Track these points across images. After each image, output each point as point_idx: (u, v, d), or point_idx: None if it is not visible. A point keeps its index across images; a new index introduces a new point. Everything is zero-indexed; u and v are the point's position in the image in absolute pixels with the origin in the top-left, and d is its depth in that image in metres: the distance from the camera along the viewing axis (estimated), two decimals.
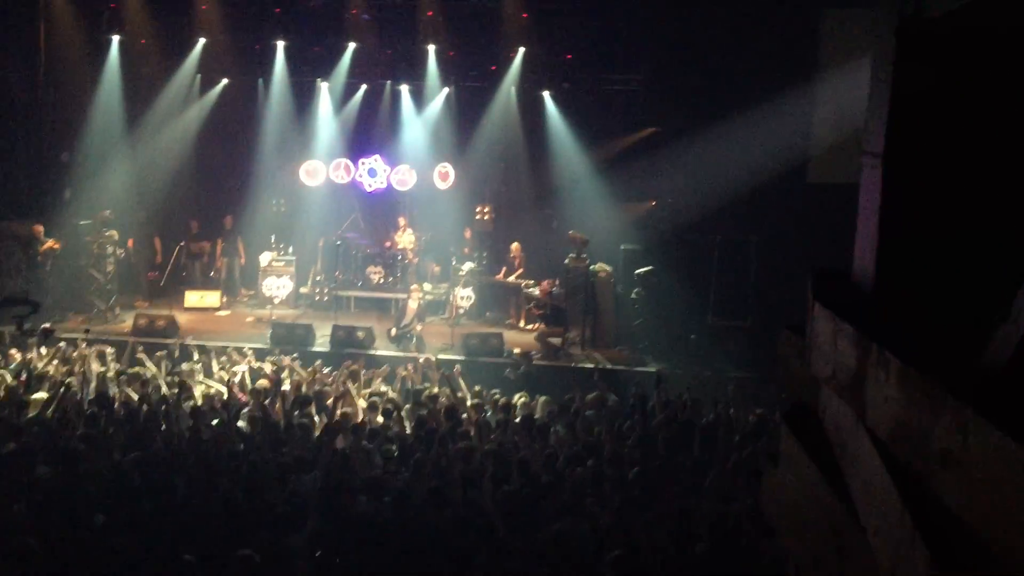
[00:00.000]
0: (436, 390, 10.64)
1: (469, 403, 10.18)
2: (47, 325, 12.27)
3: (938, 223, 1.93)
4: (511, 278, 16.39)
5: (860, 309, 1.97)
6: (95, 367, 11.14)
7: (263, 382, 10.60)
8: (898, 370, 1.65)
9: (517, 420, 9.68)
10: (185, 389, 10.22)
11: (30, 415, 9.31)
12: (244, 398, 10.16)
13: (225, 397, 9.96)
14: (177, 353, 12.29)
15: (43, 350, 11.71)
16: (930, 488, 1.55)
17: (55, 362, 11.39)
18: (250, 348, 12.71)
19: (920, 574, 1.55)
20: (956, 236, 1.91)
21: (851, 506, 1.93)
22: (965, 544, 1.44)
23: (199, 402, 10.06)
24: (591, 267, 14.80)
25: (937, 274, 1.92)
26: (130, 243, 16.31)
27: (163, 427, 8.93)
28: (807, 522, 2.22)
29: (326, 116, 17.86)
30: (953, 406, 1.42)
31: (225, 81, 17.81)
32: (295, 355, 12.32)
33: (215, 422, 9.36)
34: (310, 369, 11.20)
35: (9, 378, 10.52)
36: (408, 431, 9.16)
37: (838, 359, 1.99)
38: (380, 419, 9.55)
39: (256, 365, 11.62)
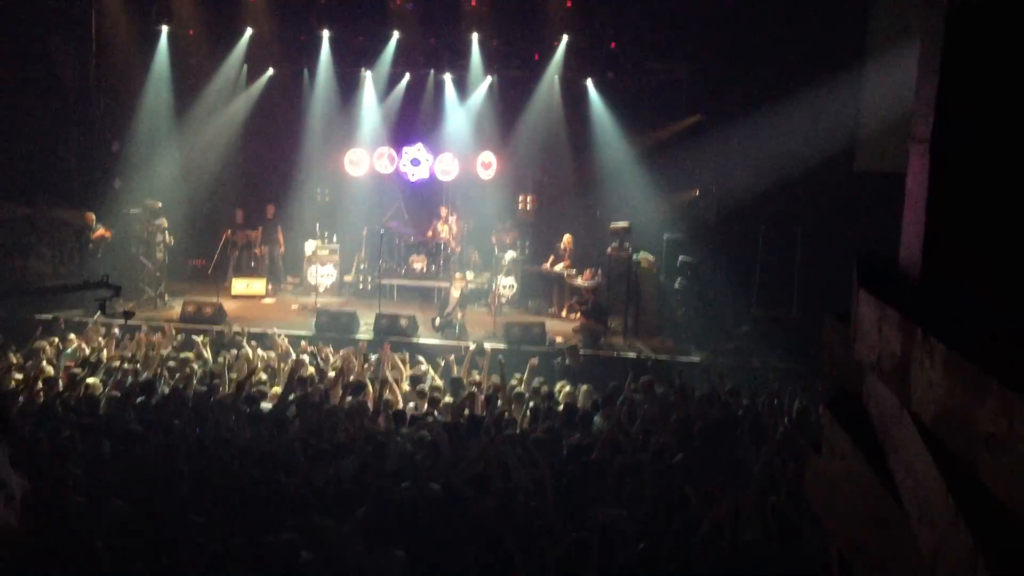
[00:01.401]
0: (478, 377, 10.67)
1: (517, 391, 10.21)
2: (129, 307, 12.59)
3: (986, 210, 1.91)
4: (557, 267, 16.39)
5: (906, 295, 1.96)
6: (158, 350, 11.39)
7: (309, 370, 10.75)
8: (943, 355, 1.64)
9: (560, 408, 9.70)
10: (240, 372, 10.39)
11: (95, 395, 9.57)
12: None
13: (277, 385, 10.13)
14: (226, 338, 12.52)
15: (101, 339, 12.00)
16: (975, 473, 1.54)
17: (115, 348, 11.69)
18: (287, 335, 12.83)
19: (965, 561, 1.54)
20: (1005, 224, 1.89)
21: (895, 492, 1.92)
22: (1010, 530, 1.43)
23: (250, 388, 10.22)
24: (634, 256, 14.75)
25: (985, 262, 1.90)
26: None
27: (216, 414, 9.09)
28: (851, 509, 2.22)
29: (370, 105, 17.99)
30: (998, 391, 1.42)
31: (271, 71, 18.03)
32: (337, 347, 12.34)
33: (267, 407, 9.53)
34: (349, 351, 11.29)
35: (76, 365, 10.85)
36: (449, 418, 9.21)
37: (883, 345, 1.98)
38: (426, 405, 9.65)
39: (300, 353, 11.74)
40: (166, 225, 15.78)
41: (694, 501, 6.80)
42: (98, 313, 10.64)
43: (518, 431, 8.69)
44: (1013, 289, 1.80)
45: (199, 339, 11.74)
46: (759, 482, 7.21)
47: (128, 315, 12.18)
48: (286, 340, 12.20)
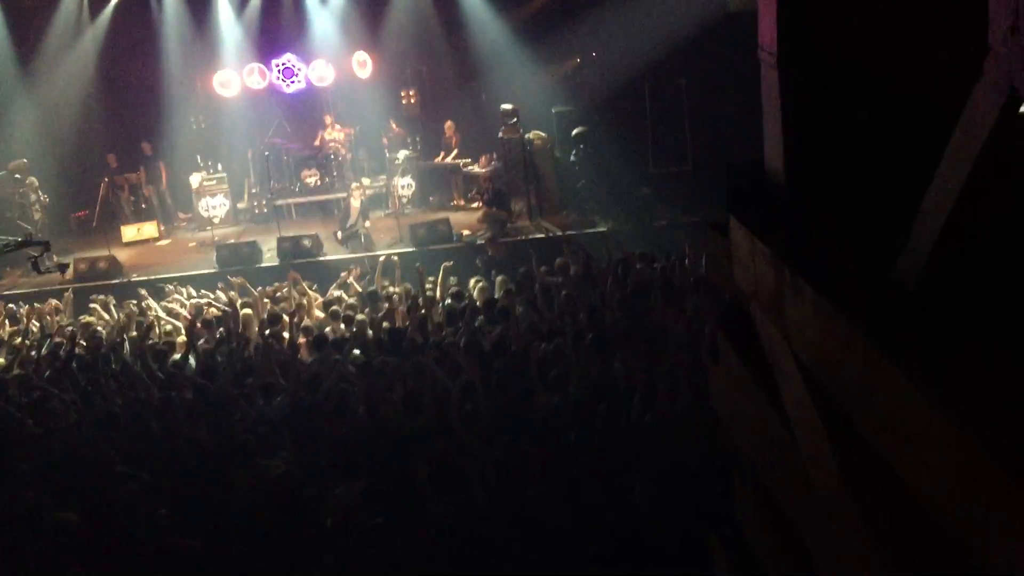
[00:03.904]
0: (393, 289, 10.57)
1: (429, 294, 10.15)
2: (64, 260, 12.10)
3: (843, 125, 1.88)
4: (448, 159, 16.15)
5: (774, 221, 1.94)
6: (47, 321, 10.95)
7: (214, 311, 10.48)
8: (813, 298, 1.64)
9: (477, 304, 9.70)
10: (140, 330, 10.07)
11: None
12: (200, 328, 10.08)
13: (183, 333, 9.86)
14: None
15: None
16: (852, 418, 1.57)
17: (6, 324, 11.18)
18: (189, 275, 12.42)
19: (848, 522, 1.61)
20: (862, 138, 1.87)
21: (786, 418, 1.95)
22: (880, 475, 1.48)
23: (158, 340, 9.95)
24: (526, 136, 14.59)
25: (847, 176, 1.88)
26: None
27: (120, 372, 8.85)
28: (747, 425, 2.26)
29: (228, 22, 17.03)
30: (864, 346, 1.42)
31: (115, 0, 16.82)
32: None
33: (176, 358, 9.31)
34: (260, 290, 10.98)
35: None
36: (370, 335, 9.15)
37: (758, 277, 1.97)
38: (342, 327, 9.54)
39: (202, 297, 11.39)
40: (37, 184, 14.94)
41: (620, 377, 6.95)
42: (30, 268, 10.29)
43: (439, 338, 8.68)
44: (875, 206, 1.80)
45: (98, 301, 11.28)
46: (682, 346, 7.38)
47: (63, 268, 11.81)
48: (186, 290, 11.77)
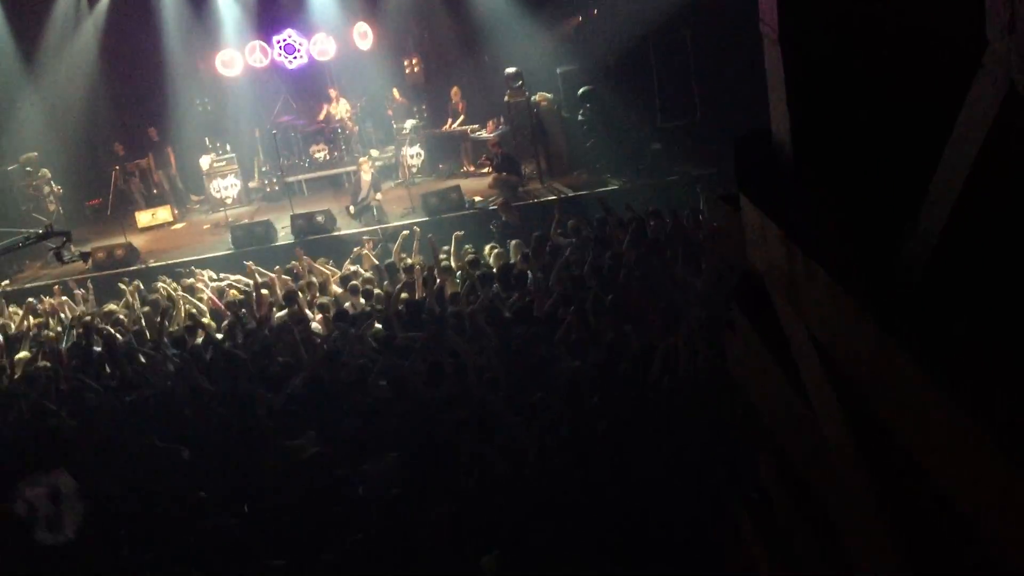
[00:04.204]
0: (411, 260, 10.59)
1: (445, 264, 10.18)
2: (85, 249, 12.23)
3: (848, 99, 1.88)
4: (456, 125, 16.09)
5: (784, 199, 1.95)
6: (69, 312, 11.08)
7: (235, 292, 10.59)
8: (825, 281, 1.66)
9: (493, 271, 9.72)
10: (167, 316, 10.18)
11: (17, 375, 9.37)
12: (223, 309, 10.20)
13: (207, 315, 9.99)
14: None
15: (11, 308, 11.61)
16: (865, 396, 1.59)
17: (29, 318, 11.31)
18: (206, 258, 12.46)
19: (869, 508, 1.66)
20: (868, 111, 1.87)
21: (804, 392, 1.98)
22: (895, 455, 1.51)
23: (181, 324, 10.06)
24: (532, 98, 14.50)
25: (854, 150, 1.89)
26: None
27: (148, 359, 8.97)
28: (765, 394, 2.29)
29: (226, 0, 16.93)
30: (876, 330, 1.44)
31: None
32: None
33: (199, 340, 9.42)
34: (276, 269, 11.05)
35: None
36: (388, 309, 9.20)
37: (771, 256, 1.99)
38: (362, 303, 9.61)
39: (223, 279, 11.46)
40: (49, 175, 15.03)
41: (634, 339, 6.97)
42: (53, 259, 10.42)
43: (457, 307, 8.73)
44: (883, 184, 1.80)
45: (127, 289, 11.37)
46: (700, 303, 7.40)
47: (86, 256, 11.94)
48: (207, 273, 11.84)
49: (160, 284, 11.32)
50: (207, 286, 10.98)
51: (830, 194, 1.88)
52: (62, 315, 11.04)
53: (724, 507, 3.13)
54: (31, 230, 11.72)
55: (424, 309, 8.79)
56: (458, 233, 10.90)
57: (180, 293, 10.73)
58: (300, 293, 9.97)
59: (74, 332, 10.37)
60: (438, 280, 9.53)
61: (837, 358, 1.71)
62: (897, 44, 1.79)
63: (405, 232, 11.51)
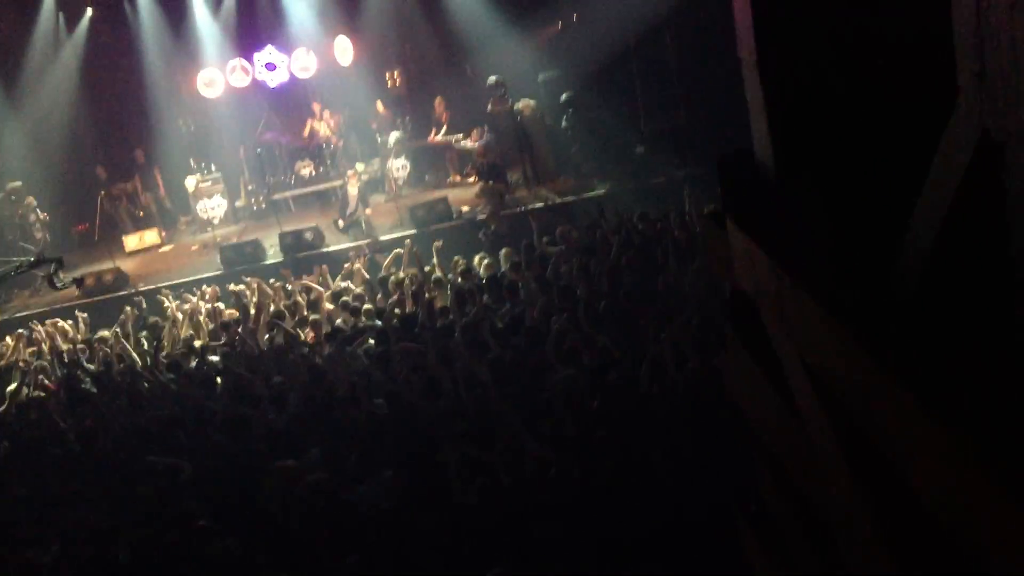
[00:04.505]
0: (402, 274, 10.59)
1: (435, 276, 10.20)
2: (77, 275, 12.22)
3: (829, 121, 1.91)
4: (439, 136, 16.11)
5: (770, 223, 1.97)
6: (62, 341, 11.06)
7: (232, 312, 10.60)
8: (812, 307, 1.68)
9: (483, 282, 9.74)
10: (157, 340, 10.19)
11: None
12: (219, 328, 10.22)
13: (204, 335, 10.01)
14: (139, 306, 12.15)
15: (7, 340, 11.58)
16: (852, 414, 1.62)
17: (21, 347, 11.28)
18: (206, 285, 12.48)
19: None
20: (848, 132, 1.90)
21: (797, 414, 2.01)
22: (888, 479, 1.54)
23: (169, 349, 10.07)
24: (515, 106, 14.52)
25: (837, 171, 1.92)
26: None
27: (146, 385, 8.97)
28: (762, 412, 2.31)
29: (205, 20, 16.90)
30: (864, 356, 1.47)
31: (89, 11, 16.74)
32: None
33: (193, 364, 9.42)
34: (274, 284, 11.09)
35: None
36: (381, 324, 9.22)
37: (759, 280, 2.01)
38: (353, 319, 9.62)
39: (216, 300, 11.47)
40: (35, 203, 15.00)
41: (626, 345, 6.99)
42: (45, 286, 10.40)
43: (448, 320, 8.75)
44: (862, 190, 1.83)
45: (128, 312, 11.40)
46: (692, 303, 7.43)
47: (79, 282, 11.93)
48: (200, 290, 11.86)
49: (165, 302, 11.35)
50: (203, 302, 11.03)
51: (815, 218, 1.90)
52: (56, 343, 10.99)
53: (723, 515, 3.15)
54: (22, 258, 11.74)
55: (416, 323, 8.81)
56: (437, 243, 10.93)
57: (179, 311, 10.77)
58: (293, 311, 9.98)
59: (67, 359, 10.35)
60: (427, 293, 9.54)
61: (827, 381, 1.73)
62: (873, 64, 1.82)
63: (398, 250, 11.50)
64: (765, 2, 1.83)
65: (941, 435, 1.28)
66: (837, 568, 2.08)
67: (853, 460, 1.69)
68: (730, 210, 2.18)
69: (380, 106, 16.62)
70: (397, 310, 9.61)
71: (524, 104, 14.58)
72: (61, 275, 11.17)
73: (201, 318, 10.61)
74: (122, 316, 11.31)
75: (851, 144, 1.89)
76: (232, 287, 11.72)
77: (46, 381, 9.73)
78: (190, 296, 11.65)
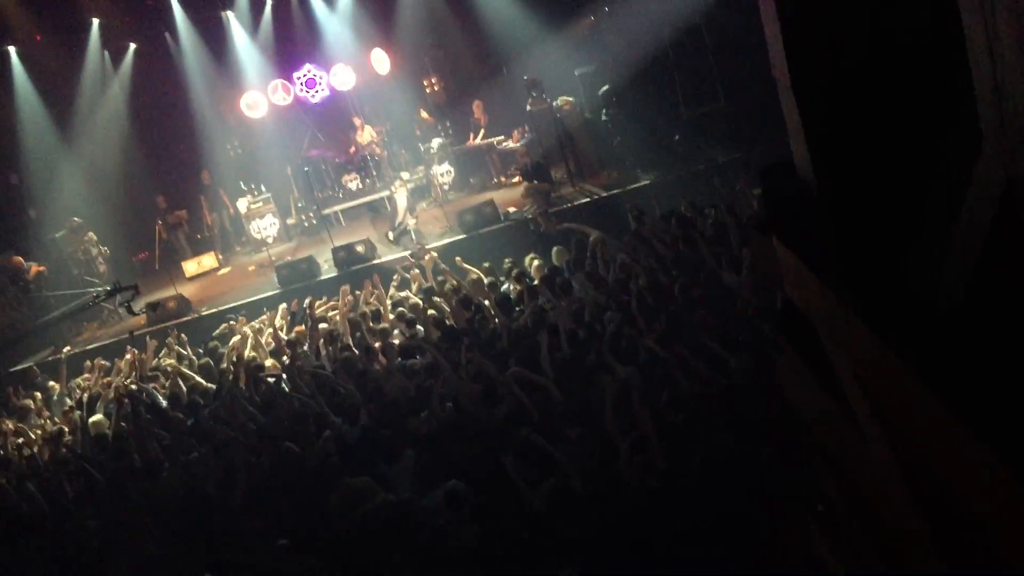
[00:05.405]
0: (455, 282, 10.68)
1: (489, 280, 10.29)
2: (151, 301, 12.64)
3: (865, 138, 1.95)
4: (479, 139, 16.23)
5: (815, 240, 2.01)
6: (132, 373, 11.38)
7: (299, 328, 10.82)
8: (862, 327, 1.73)
9: (536, 283, 9.78)
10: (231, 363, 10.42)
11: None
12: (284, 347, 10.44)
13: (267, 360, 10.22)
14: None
15: (88, 374, 11.97)
16: (904, 426, 1.67)
17: (95, 378, 11.65)
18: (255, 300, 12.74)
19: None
20: (884, 147, 1.94)
21: (855, 423, 2.05)
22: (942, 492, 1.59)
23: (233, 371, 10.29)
24: (554, 103, 14.57)
25: (876, 185, 1.96)
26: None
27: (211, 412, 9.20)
28: (819, 416, 2.35)
29: (244, 45, 17.30)
30: (913, 387, 1.52)
31: (133, 47, 17.21)
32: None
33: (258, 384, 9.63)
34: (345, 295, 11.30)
35: (70, 401, 10.94)
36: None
37: (808, 295, 2.06)
38: (411, 330, 9.74)
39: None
40: (96, 238, 15.47)
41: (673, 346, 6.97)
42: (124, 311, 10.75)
43: (499, 324, 8.81)
44: (900, 204, 1.87)
45: (173, 339, 11.73)
46: (743, 299, 7.40)
47: (154, 307, 12.34)
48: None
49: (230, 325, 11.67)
50: (261, 331, 11.27)
51: (859, 235, 1.95)
52: (129, 372, 11.33)
53: (790, 513, 3.20)
54: (100, 288, 12.14)
55: (468, 331, 8.89)
56: (457, 259, 11.14)
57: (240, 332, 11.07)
58: (355, 325, 10.14)
59: (139, 388, 10.66)
60: (477, 301, 9.61)
61: (880, 396, 1.78)
62: (907, 80, 1.86)
63: (427, 259, 11.63)
64: (796, 27, 1.88)
65: (989, 457, 1.33)
66: (895, 559, 2.13)
67: (908, 471, 1.74)
68: (776, 227, 2.22)
69: (424, 113, 16.79)
70: (448, 321, 9.68)
71: (563, 101, 14.63)
72: (138, 301, 11.55)
73: (263, 339, 10.84)
74: (174, 344, 11.62)
75: (889, 160, 1.93)
76: (288, 305, 11.98)
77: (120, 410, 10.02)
78: (242, 320, 11.94)
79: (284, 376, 9.59)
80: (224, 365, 10.49)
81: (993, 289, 1.44)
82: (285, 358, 10.06)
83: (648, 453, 5.71)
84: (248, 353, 10.70)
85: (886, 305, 1.72)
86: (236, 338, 11.19)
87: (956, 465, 1.45)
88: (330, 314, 11.01)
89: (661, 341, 7.22)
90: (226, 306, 13.64)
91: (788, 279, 2.17)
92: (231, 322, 12.13)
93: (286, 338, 10.70)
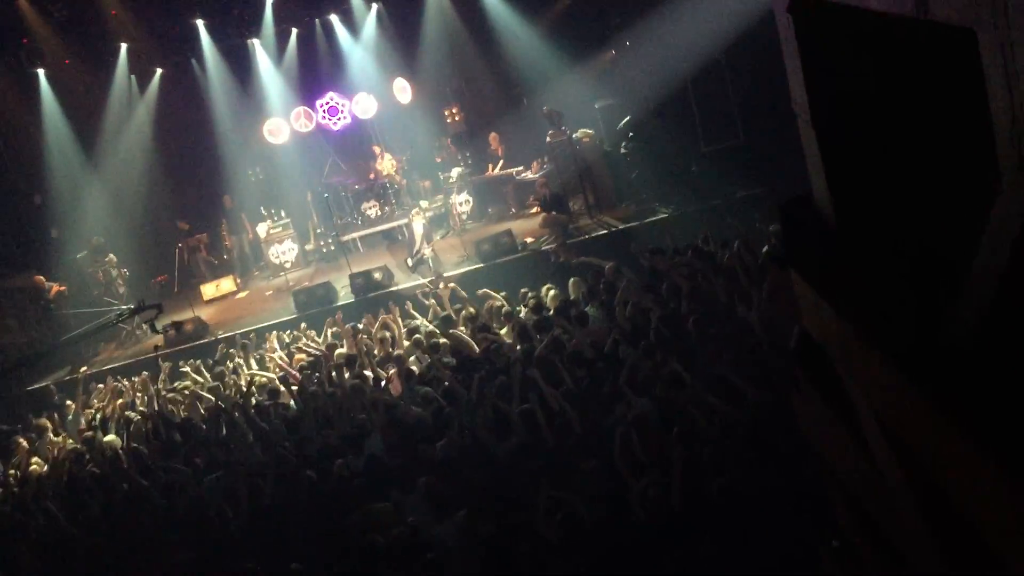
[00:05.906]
0: (471, 310, 10.71)
1: (505, 310, 10.32)
2: (176, 319, 12.76)
3: (885, 171, 1.97)
4: (497, 170, 16.34)
5: (834, 273, 2.04)
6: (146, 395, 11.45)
7: (302, 356, 10.86)
8: (880, 360, 1.75)
9: (551, 313, 9.80)
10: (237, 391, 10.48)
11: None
12: (294, 374, 10.48)
13: (278, 383, 10.26)
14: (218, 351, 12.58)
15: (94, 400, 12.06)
16: (921, 459, 1.68)
17: (110, 399, 11.73)
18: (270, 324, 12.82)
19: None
20: (904, 181, 1.97)
21: (871, 458, 2.06)
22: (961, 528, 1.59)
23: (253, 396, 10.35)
24: (573, 136, 14.67)
25: (896, 219, 1.98)
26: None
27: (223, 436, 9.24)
28: (836, 450, 2.36)
29: (268, 72, 17.56)
30: (934, 415, 1.53)
31: (159, 72, 17.48)
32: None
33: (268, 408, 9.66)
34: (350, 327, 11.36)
35: (83, 422, 11.02)
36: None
37: (825, 328, 2.08)
38: (427, 356, 9.76)
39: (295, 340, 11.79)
40: (116, 259, 15.63)
41: (689, 379, 6.96)
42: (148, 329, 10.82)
43: (519, 353, 8.82)
44: (921, 236, 1.89)
45: (189, 366, 11.82)
46: (757, 333, 7.39)
47: (178, 326, 12.46)
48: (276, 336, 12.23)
49: (230, 361, 11.70)
50: (276, 351, 11.32)
51: (878, 268, 1.96)
52: (143, 394, 11.40)
53: (804, 549, 3.18)
54: (124, 307, 12.25)
55: (483, 361, 8.91)
56: (458, 290, 11.19)
57: (249, 370, 11.11)
58: (371, 351, 10.18)
59: (154, 410, 10.73)
60: (495, 328, 9.65)
61: (897, 429, 1.79)
62: (926, 114, 1.88)
63: (442, 288, 11.69)
64: (816, 62, 1.92)
65: (1013, 492, 1.33)
66: None
67: (926, 506, 1.74)
68: (794, 260, 2.24)
69: (448, 142, 16.93)
70: (464, 351, 9.69)
71: (582, 132, 14.73)
72: (161, 320, 11.66)
73: (273, 364, 10.91)
74: (189, 371, 11.70)
75: (907, 194, 1.95)
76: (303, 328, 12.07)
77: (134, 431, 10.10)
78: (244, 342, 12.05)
79: (298, 401, 9.63)
80: (230, 391, 10.56)
81: (1012, 323, 1.45)
82: (294, 386, 10.10)
83: (660, 488, 5.70)
84: (259, 379, 10.76)
85: (904, 338, 1.74)
86: (244, 359, 11.28)
87: (977, 501, 1.46)
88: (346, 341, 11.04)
89: (677, 373, 7.22)
90: (243, 329, 13.70)
91: (806, 312, 2.18)
92: (236, 346, 12.23)
93: (305, 359, 10.76)
